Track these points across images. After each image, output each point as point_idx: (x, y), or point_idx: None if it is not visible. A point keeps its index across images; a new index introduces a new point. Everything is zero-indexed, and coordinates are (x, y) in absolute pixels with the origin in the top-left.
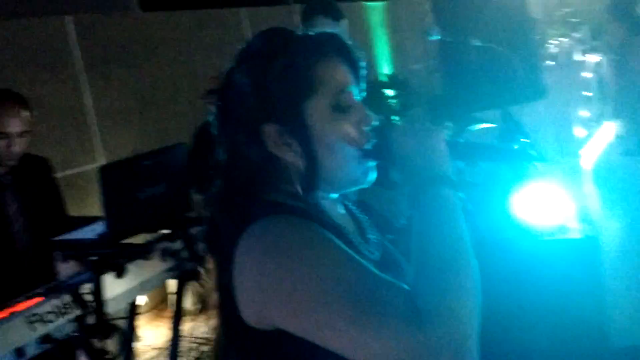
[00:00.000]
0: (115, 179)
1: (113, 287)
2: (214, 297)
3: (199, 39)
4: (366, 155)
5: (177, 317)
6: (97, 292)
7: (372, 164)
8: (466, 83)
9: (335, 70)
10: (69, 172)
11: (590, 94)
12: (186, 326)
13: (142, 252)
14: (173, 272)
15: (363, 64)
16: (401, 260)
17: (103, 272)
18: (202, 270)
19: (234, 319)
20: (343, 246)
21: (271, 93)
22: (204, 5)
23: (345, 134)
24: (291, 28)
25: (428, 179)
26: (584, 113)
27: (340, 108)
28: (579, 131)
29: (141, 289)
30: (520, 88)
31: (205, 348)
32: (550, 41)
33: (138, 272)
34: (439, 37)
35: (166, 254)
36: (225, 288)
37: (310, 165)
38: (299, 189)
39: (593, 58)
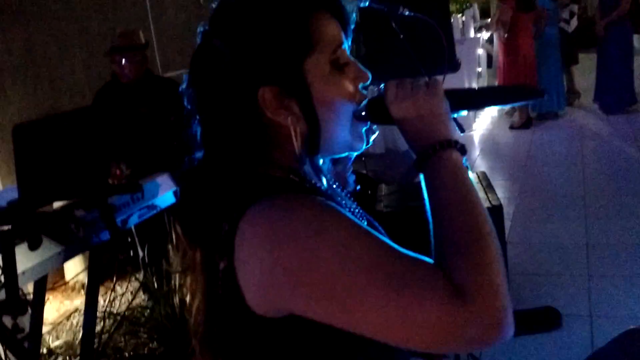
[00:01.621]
0: (29, 140)
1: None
2: (190, 280)
3: None
4: (359, 117)
5: (93, 291)
6: (10, 265)
7: (365, 129)
8: (390, 51)
9: (330, 25)
10: None
11: (481, 69)
12: (81, 300)
13: (61, 222)
14: (86, 244)
15: (353, 17)
16: (379, 226)
17: (16, 244)
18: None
19: (236, 305)
20: (358, 221)
21: (267, 53)
22: None
23: (344, 91)
24: None
25: (434, 144)
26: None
27: (338, 65)
28: None
29: (52, 262)
30: (443, 60)
31: (107, 322)
32: None
33: (48, 243)
34: (368, 4)
35: (81, 223)
36: (224, 273)
37: (312, 125)
38: (292, 159)
39: (484, 35)
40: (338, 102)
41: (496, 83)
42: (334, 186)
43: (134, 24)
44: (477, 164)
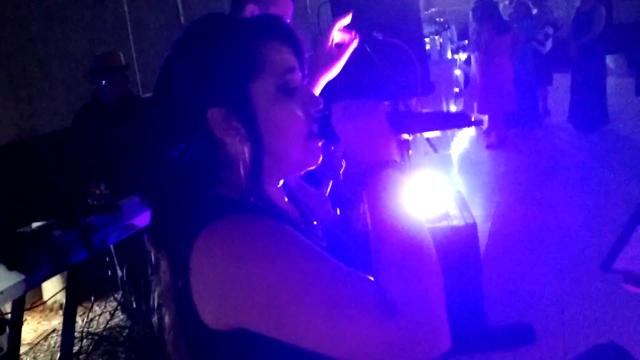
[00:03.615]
0: (6, 163)
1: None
2: (163, 298)
3: (73, 16)
4: (312, 136)
5: (71, 311)
6: None
7: (318, 144)
8: (363, 74)
9: (279, 52)
10: None
11: (458, 90)
12: (59, 320)
13: (39, 242)
14: (64, 264)
15: (305, 47)
16: (345, 241)
17: None
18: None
19: (192, 322)
20: (303, 239)
21: (216, 75)
22: None
23: (291, 115)
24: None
25: (373, 165)
26: (453, 108)
27: (286, 89)
28: None
29: (30, 282)
30: (416, 83)
31: (85, 342)
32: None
33: (26, 263)
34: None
35: (59, 244)
36: (182, 291)
37: (256, 147)
38: (243, 178)
39: (462, 56)
40: (284, 125)
41: (475, 104)
42: (297, 199)
43: (114, 44)
44: (454, 183)
